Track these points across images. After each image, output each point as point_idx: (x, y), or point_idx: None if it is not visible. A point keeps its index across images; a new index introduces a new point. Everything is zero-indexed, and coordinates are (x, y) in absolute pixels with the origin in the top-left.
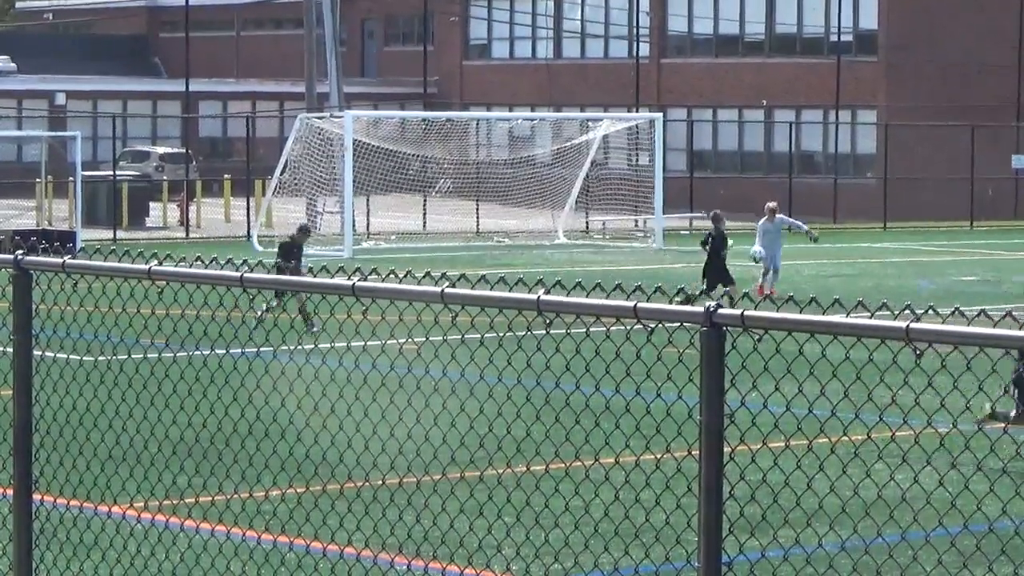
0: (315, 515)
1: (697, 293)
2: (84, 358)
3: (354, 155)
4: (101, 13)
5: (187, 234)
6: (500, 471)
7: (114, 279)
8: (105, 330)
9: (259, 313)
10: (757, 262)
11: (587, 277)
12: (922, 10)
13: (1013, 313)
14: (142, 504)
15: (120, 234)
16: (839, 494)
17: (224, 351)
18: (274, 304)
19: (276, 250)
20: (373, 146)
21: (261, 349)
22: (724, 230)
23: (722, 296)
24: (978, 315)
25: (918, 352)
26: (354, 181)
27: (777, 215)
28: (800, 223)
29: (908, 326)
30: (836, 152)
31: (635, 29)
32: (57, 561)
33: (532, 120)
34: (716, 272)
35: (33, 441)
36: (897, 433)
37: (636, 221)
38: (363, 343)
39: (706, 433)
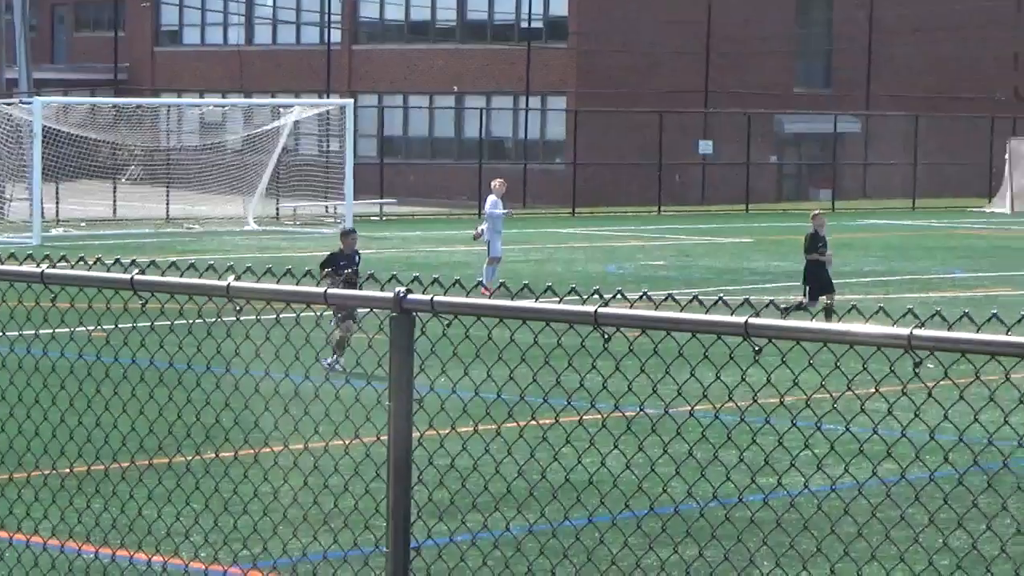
0: (1, 504)
1: (797, 305)
2: None
3: (43, 141)
4: None
5: None
6: (189, 457)
7: None
8: None
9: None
10: (477, 238)
11: (278, 263)
12: None
13: (699, 297)
14: None
15: None
16: (527, 478)
17: None
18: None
19: (322, 265)
20: (63, 132)
21: None
22: (823, 231)
23: (822, 306)
24: (665, 299)
25: (606, 337)
26: (43, 167)
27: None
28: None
29: (597, 311)
30: (526, 138)
31: (327, 15)
32: None
33: (223, 106)
34: (816, 278)
35: None
36: (585, 417)
37: (327, 207)
38: (52, 331)
39: (395, 418)
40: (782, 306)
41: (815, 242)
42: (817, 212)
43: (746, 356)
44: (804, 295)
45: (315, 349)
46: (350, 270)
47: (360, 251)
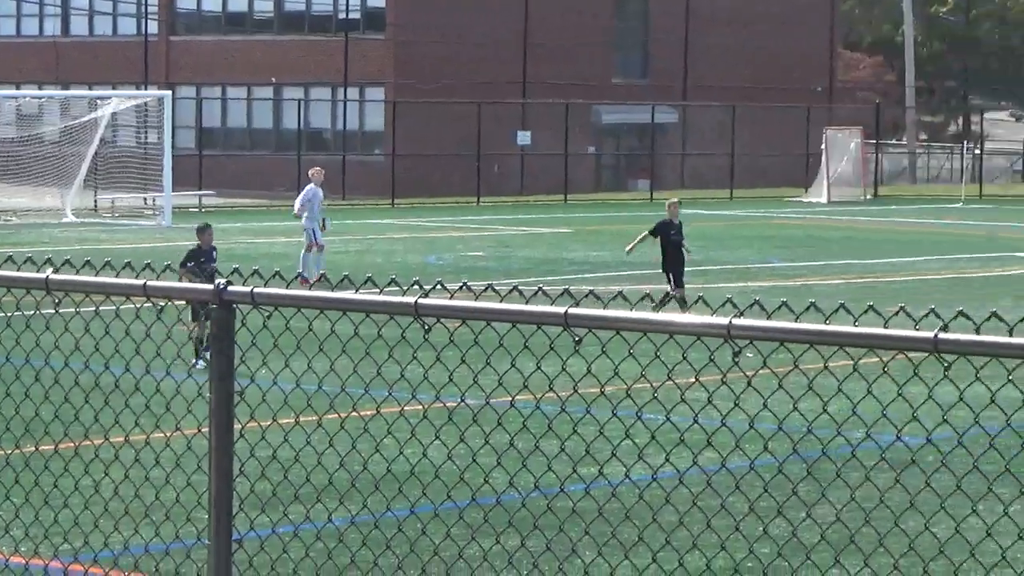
0: None
1: (666, 295)
2: None
3: None
4: None
5: None
6: (8, 451)
7: None
8: None
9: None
10: (299, 219)
11: (97, 255)
12: None
13: (519, 288)
14: None
15: None
16: (349, 469)
17: None
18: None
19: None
20: None
21: None
22: (676, 220)
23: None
24: (485, 290)
25: (427, 328)
26: None
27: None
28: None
29: (417, 302)
30: (345, 129)
31: (144, 6)
32: None
33: (40, 98)
34: (674, 265)
35: None
36: (406, 408)
37: (145, 199)
38: None
39: (216, 410)
40: (657, 299)
41: (667, 228)
42: (673, 200)
43: (566, 346)
44: (669, 283)
45: (135, 342)
46: (212, 265)
47: (216, 246)
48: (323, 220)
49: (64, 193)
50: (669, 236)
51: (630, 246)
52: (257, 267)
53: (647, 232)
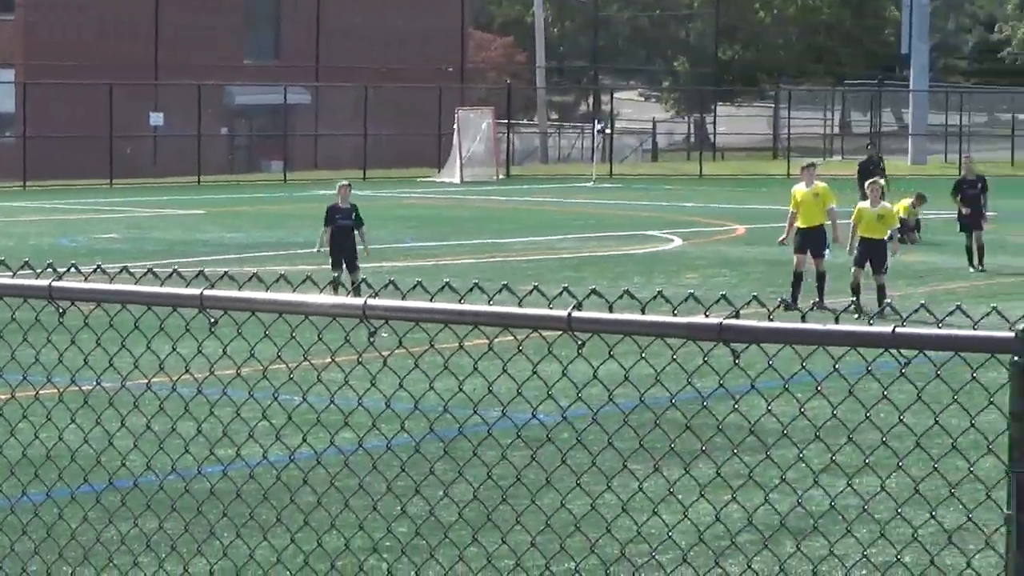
0: None
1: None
2: None
3: None
4: None
5: None
6: None
7: None
8: None
9: None
10: None
11: None
12: None
13: (154, 270)
14: None
15: None
16: None
17: None
18: None
19: None
20: None
21: None
22: (344, 204)
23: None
24: (120, 272)
25: (61, 311)
26: None
27: None
28: None
29: (51, 285)
30: None
31: None
32: None
33: None
34: (341, 250)
35: None
36: (41, 392)
37: None
38: None
39: None
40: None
41: (334, 214)
42: (343, 183)
43: (202, 328)
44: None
45: None
46: None
47: None
48: None
49: None
50: (336, 222)
51: (317, 247)
52: None
53: (327, 225)
